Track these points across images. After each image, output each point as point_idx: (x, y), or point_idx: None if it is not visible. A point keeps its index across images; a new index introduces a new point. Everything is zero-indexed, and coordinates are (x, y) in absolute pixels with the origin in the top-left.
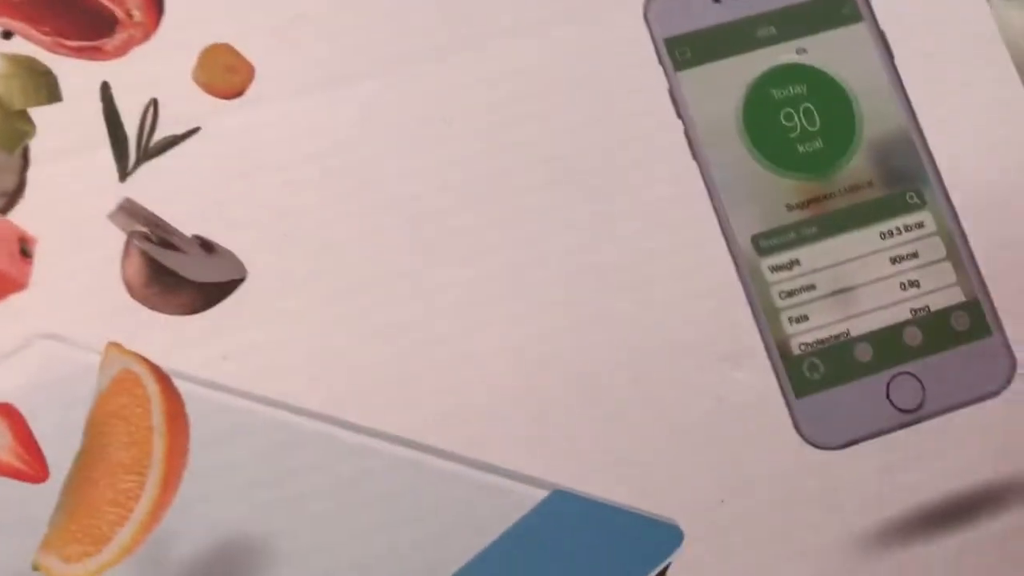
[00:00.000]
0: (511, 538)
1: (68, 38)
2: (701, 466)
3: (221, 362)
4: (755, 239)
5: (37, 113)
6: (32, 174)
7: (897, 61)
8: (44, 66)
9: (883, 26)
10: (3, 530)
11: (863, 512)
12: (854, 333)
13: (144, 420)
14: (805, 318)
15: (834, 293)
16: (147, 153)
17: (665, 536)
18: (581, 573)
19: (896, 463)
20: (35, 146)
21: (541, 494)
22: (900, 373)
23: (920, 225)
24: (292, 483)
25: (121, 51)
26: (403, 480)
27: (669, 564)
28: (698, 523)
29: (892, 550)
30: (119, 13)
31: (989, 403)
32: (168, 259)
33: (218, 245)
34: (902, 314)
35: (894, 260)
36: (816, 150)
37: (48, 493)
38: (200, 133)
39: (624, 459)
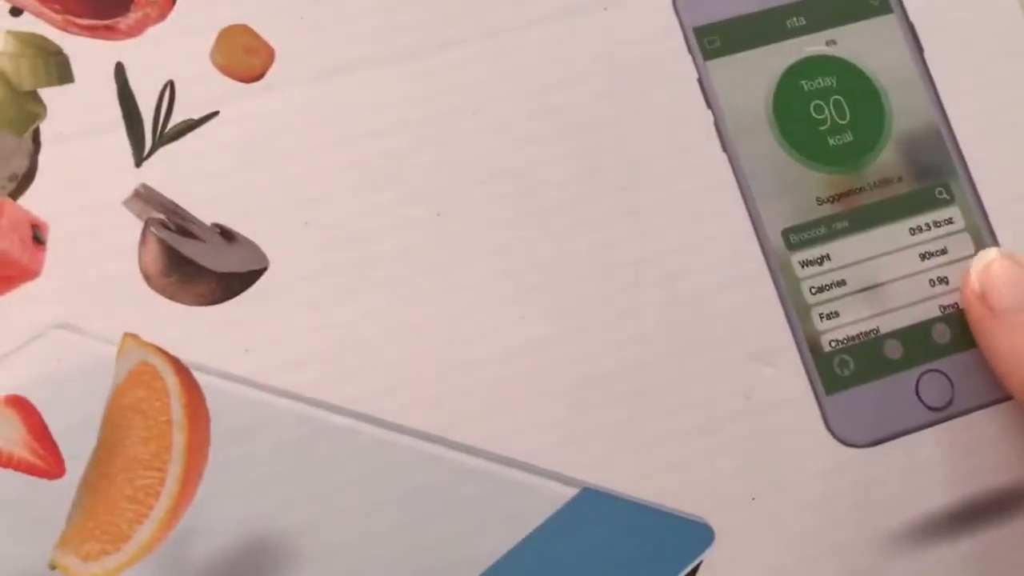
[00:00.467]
0: (540, 536)
1: (80, 16)
2: (731, 463)
3: (243, 354)
4: (785, 233)
5: (48, 94)
6: (43, 158)
7: (927, 55)
8: (55, 45)
9: (913, 19)
10: (19, 528)
11: (892, 509)
12: (884, 330)
13: (163, 414)
14: (836, 314)
15: (864, 289)
16: (164, 137)
17: (696, 535)
18: (611, 572)
19: (925, 461)
20: (46, 129)
21: (571, 492)
22: (929, 370)
23: (949, 221)
24: (316, 478)
25: (136, 30)
26: (430, 476)
27: (700, 563)
28: (729, 521)
29: (921, 548)
30: None
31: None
32: (186, 247)
33: (238, 234)
34: (931, 311)
35: (923, 256)
36: (846, 143)
37: (65, 489)
38: (218, 117)
39: (654, 456)
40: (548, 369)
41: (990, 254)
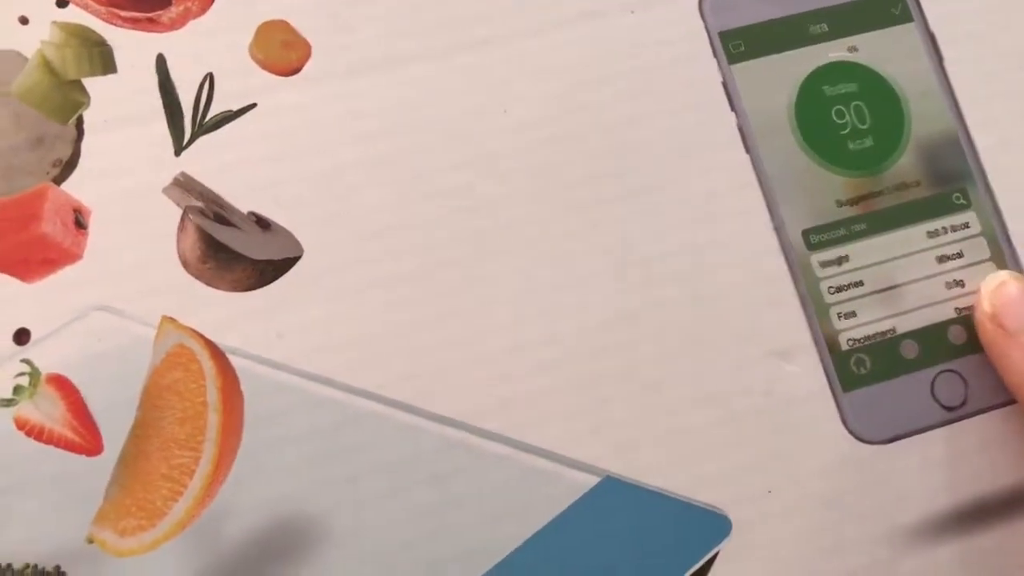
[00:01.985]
0: (562, 523)
1: (123, 8)
2: (749, 457)
3: (276, 340)
4: (806, 234)
5: (91, 84)
6: (86, 145)
7: (946, 63)
8: (99, 36)
9: (933, 28)
10: (58, 503)
11: (906, 506)
12: (900, 330)
13: (199, 395)
14: (853, 314)
15: (882, 290)
16: (203, 128)
17: (713, 525)
18: (630, 560)
19: (938, 458)
20: (89, 117)
21: (592, 480)
22: (945, 370)
23: (966, 226)
24: (345, 462)
25: (177, 24)
26: (455, 462)
27: (717, 553)
28: (745, 513)
29: (933, 544)
30: None
31: None
32: (223, 235)
33: (274, 222)
34: (947, 312)
35: (940, 259)
36: (866, 148)
37: (103, 466)
38: (256, 109)
39: (674, 448)
40: (572, 360)
41: (1001, 275)
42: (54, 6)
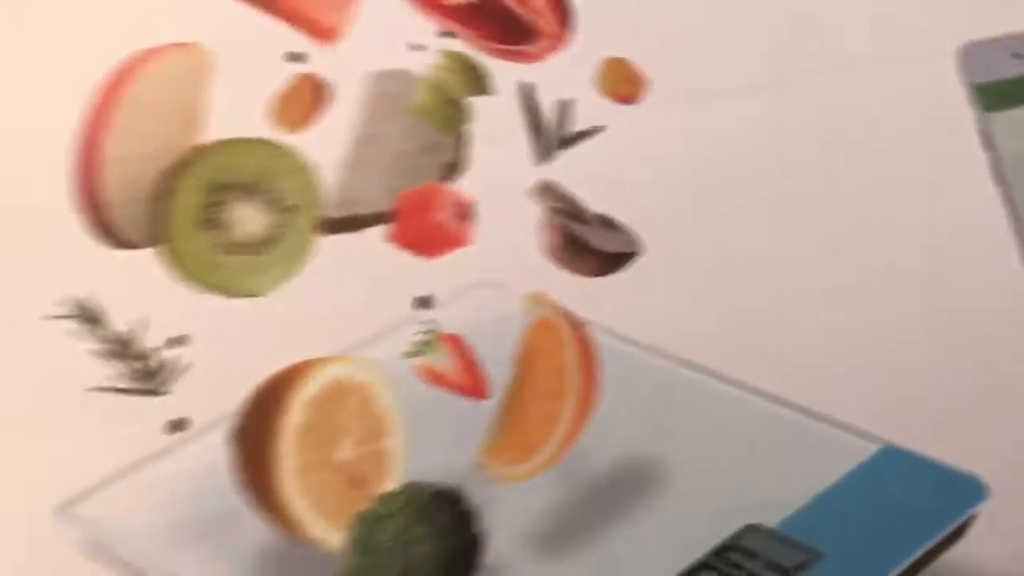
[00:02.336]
0: (842, 487)
1: (497, 42)
2: (1012, 431)
3: (622, 317)
4: None
5: (472, 102)
6: (468, 152)
7: None
8: (478, 63)
9: None
10: (454, 437)
11: None
12: None
13: (562, 358)
14: None
15: None
16: (560, 144)
17: (971, 489)
18: (896, 520)
19: None
20: (470, 129)
21: (871, 447)
22: None
23: None
24: (676, 421)
25: (540, 56)
26: (760, 427)
27: (974, 516)
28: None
29: None
30: (538, 25)
31: None
32: (579, 231)
33: (619, 223)
34: None
35: None
36: None
37: (488, 410)
38: (604, 132)
39: (938, 419)
40: (862, 345)
41: None
42: (440, 36)
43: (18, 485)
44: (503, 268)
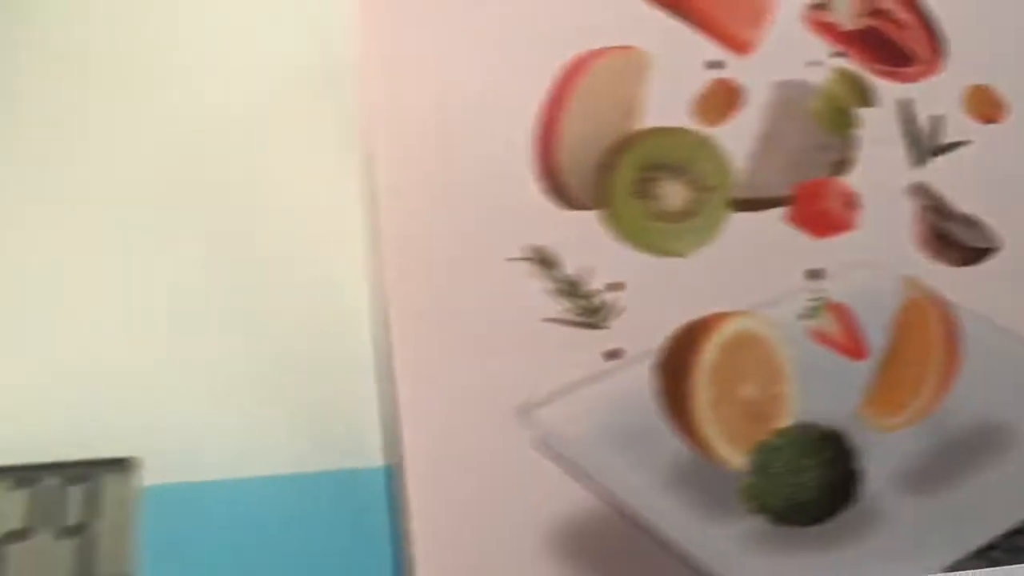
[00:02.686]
0: None
1: (881, 64)
2: None
3: (981, 301)
4: None
5: (858, 111)
6: (855, 154)
7: None
8: (865, 79)
9: None
10: (837, 387)
11: None
12: None
13: (929, 332)
14: None
15: None
16: (933, 152)
17: None
18: None
19: None
20: (857, 134)
21: None
22: None
23: None
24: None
25: (915, 78)
26: None
27: None
28: None
29: None
30: (915, 53)
31: None
32: (946, 226)
33: (981, 221)
34: None
35: None
36: None
37: (866, 369)
38: (970, 145)
39: None
40: None
41: None
42: (833, 56)
43: (489, 388)
44: (882, 251)
